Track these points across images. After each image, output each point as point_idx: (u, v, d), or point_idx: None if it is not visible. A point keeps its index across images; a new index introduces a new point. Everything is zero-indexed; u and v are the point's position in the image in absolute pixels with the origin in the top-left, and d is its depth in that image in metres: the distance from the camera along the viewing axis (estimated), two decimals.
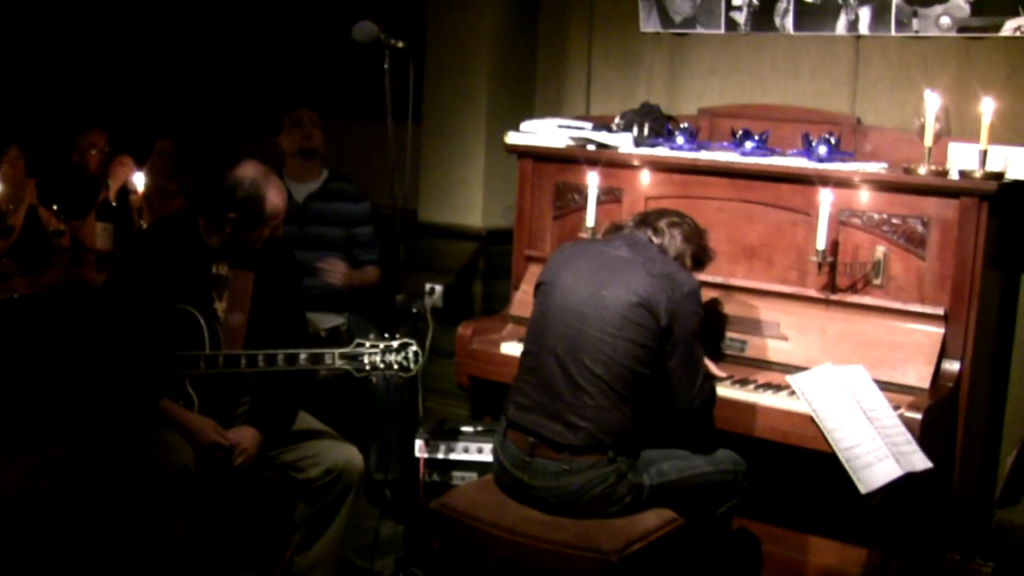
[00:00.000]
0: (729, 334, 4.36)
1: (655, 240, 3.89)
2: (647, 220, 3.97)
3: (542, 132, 4.92)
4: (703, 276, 4.11)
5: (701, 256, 4.02)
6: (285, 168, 5.58)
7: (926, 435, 3.76)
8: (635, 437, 3.75)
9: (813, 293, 4.28)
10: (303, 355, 4.01)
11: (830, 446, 3.66)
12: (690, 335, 3.75)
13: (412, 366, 4.03)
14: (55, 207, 5.57)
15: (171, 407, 3.98)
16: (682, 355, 3.74)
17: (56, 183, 5.72)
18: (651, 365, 3.71)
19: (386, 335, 4.06)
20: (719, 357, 4.33)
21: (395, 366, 4.01)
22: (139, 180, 5.51)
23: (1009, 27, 4.40)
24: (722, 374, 4.19)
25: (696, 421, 3.94)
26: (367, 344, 4.01)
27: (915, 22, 4.60)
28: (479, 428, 4.63)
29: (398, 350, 4.02)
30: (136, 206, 5.50)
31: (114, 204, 5.47)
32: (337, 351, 4.01)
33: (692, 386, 3.81)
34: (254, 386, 4.17)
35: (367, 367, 4.00)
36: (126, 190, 5.59)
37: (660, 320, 3.66)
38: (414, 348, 4.03)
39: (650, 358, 3.70)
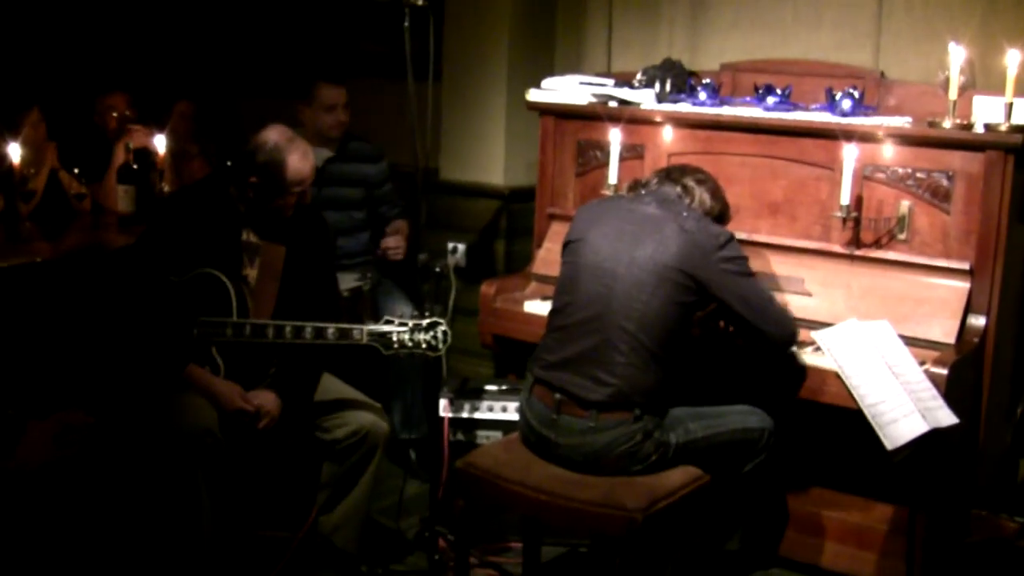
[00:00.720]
0: None
1: (684, 198, 3.87)
2: (672, 176, 3.94)
3: (564, 89, 4.90)
4: None
5: (724, 212, 4.00)
6: (304, 135, 5.54)
7: (952, 390, 3.75)
8: (663, 396, 3.75)
9: (837, 248, 4.26)
10: (331, 329, 3.99)
11: (856, 402, 3.64)
12: (739, 277, 3.74)
13: (440, 346, 3.99)
14: (76, 170, 5.57)
15: (197, 372, 3.98)
16: (739, 297, 3.74)
17: (77, 146, 5.71)
18: (684, 322, 3.72)
19: (415, 313, 4.04)
20: None
21: (423, 345, 3.98)
22: (160, 143, 5.50)
23: None
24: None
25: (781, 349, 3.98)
26: (396, 322, 3.98)
27: None
28: (503, 387, 4.64)
29: (427, 329, 3.99)
30: (158, 168, 5.50)
31: (135, 167, 5.47)
32: (366, 328, 3.97)
33: (769, 318, 3.82)
34: (280, 353, 4.17)
35: (395, 345, 3.98)
36: (147, 152, 5.58)
37: (697, 276, 3.66)
38: (443, 328, 3.99)
39: (684, 315, 3.71)
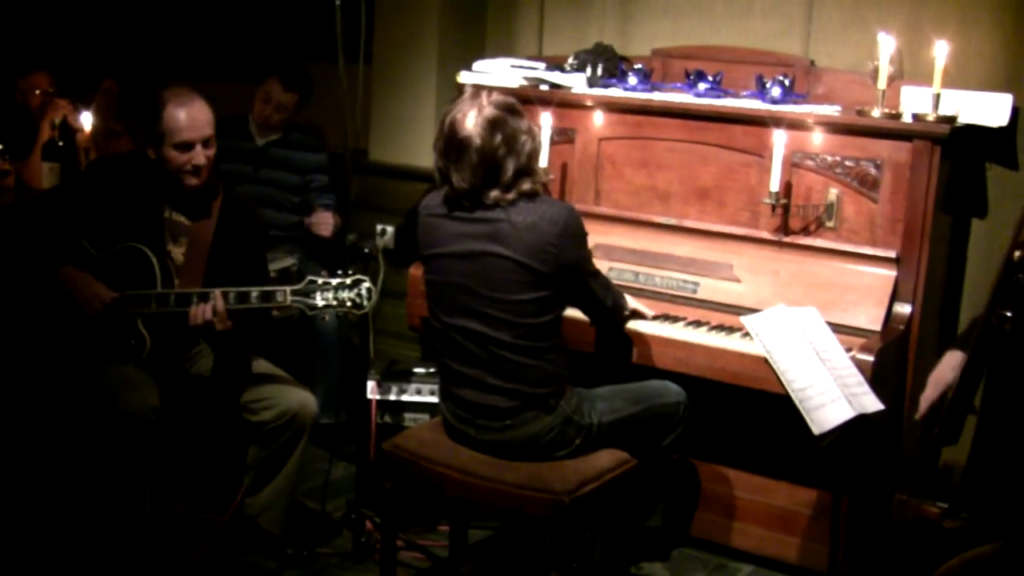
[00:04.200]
0: (681, 275, 4.36)
1: (504, 196, 3.61)
2: (487, 191, 3.62)
3: (495, 72, 4.88)
4: (658, 217, 4.10)
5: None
6: (252, 113, 5.62)
7: (877, 377, 3.79)
8: (566, 375, 3.73)
9: (766, 235, 4.29)
10: (255, 293, 3.95)
11: (783, 387, 3.67)
12: (582, 260, 3.70)
13: (365, 303, 3.96)
14: (0, 147, 5.49)
15: (69, 272, 3.97)
16: (582, 281, 3.72)
17: (1, 123, 5.63)
18: (551, 309, 3.65)
19: (339, 272, 4.01)
20: (669, 299, 4.35)
21: (348, 303, 3.94)
22: (86, 120, 5.43)
23: None
24: (651, 313, 4.20)
25: (619, 325, 4.03)
26: (319, 281, 3.94)
27: None
28: (430, 369, 4.63)
29: (351, 287, 3.94)
30: (83, 146, 5.43)
31: (60, 144, 5.39)
32: (289, 288, 3.93)
33: (605, 301, 3.84)
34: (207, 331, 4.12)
35: (320, 304, 3.94)
36: (71, 129, 5.51)
37: (545, 267, 3.56)
38: (367, 284, 3.96)
39: (547, 304, 3.63)
